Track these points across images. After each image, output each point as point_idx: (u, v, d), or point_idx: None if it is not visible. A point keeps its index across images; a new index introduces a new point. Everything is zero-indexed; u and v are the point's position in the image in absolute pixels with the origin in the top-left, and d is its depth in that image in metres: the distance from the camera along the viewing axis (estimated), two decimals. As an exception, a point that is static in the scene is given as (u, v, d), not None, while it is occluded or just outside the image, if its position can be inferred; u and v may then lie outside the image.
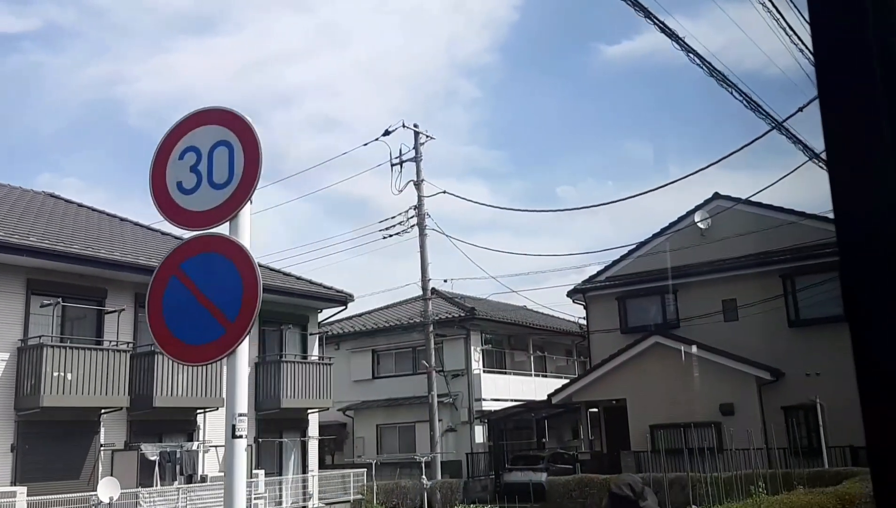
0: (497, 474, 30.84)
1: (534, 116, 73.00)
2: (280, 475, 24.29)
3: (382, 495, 24.00)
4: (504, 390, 33.12)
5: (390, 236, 31.24)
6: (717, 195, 26.91)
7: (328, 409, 25.56)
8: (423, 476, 22.08)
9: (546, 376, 36.44)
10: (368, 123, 66.34)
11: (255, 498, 22.45)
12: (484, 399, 32.08)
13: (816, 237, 24.09)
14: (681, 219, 27.63)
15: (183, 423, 21.83)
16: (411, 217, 30.99)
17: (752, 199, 25.84)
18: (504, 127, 74.51)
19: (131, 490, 19.15)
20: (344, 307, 26.38)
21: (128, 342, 20.07)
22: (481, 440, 32.03)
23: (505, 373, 34.57)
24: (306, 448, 25.23)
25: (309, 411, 25.28)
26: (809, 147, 17.08)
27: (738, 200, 25.40)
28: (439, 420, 30.53)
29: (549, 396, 28.65)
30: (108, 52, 68.65)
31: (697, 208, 27.19)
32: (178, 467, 21.29)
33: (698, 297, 26.38)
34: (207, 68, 68.10)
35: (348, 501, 24.70)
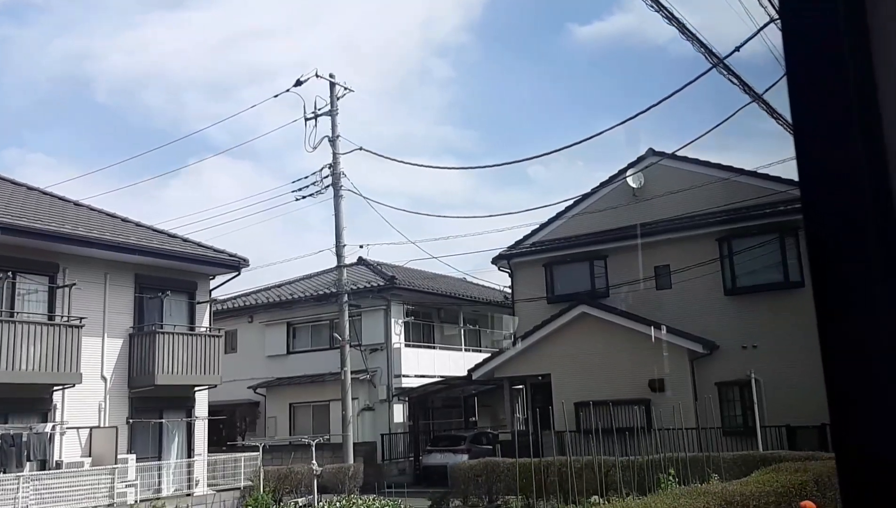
0: (416, 456, 28.52)
1: (506, 97, 71.16)
2: (160, 459, 21.65)
3: (274, 481, 21.46)
4: (429, 365, 30.70)
5: (303, 197, 28.55)
6: (651, 152, 24.53)
7: (216, 386, 22.88)
8: (314, 461, 19.59)
9: (480, 350, 34.05)
10: (343, 101, 64.24)
11: (123, 486, 19.83)
12: (405, 376, 29.64)
13: (756, 196, 21.90)
14: (613, 178, 25.24)
15: (34, 402, 19.05)
16: (325, 176, 28.32)
17: (689, 156, 23.61)
18: (477, 107, 72.68)
19: (-45, 480, 16.42)
20: (237, 274, 23.63)
21: (-44, 309, 17.21)
22: (402, 420, 29.62)
23: (432, 347, 32.15)
24: (192, 429, 22.56)
25: (196, 388, 22.60)
26: (752, 88, 15.08)
27: (672, 155, 23.04)
28: (355, 399, 28.09)
29: (470, 371, 26.28)
30: (77, 27, 65.44)
31: (631, 165, 24.81)
32: (25, 452, 18.56)
33: (630, 262, 24.07)
34: (179, 44, 64.91)
35: (238, 488, 22.16)
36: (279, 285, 34.02)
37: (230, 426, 31.89)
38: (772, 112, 15.97)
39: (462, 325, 33.85)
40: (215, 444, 27.80)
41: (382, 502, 16.35)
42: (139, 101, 67.59)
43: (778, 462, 13.23)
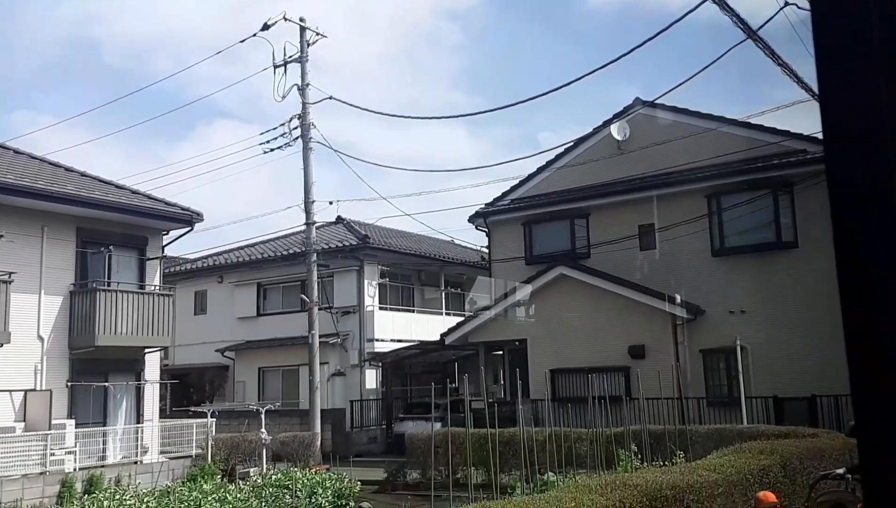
0: (388, 424, 27.19)
1: (517, 62, 69.29)
2: (105, 425, 20.34)
3: (227, 450, 20.14)
4: (405, 329, 29.23)
5: (272, 149, 26.93)
6: (637, 101, 22.71)
7: (166, 348, 21.51)
8: (262, 430, 18.22)
9: (463, 314, 32.51)
10: (354, 66, 62.56)
11: (62, 454, 18.53)
12: (380, 340, 28.20)
13: (747, 148, 20.17)
14: (597, 130, 23.46)
15: (-43, 363, 17.68)
16: (295, 128, 26.66)
17: (678, 105, 21.87)
18: (487, 73, 70.91)
19: None
20: (190, 229, 22.08)
21: None
22: (375, 386, 28.25)
23: (410, 311, 30.66)
24: (142, 393, 21.20)
25: (146, 350, 21.20)
26: (747, 25, 13.61)
27: (659, 105, 21.27)
28: (325, 363, 26.69)
29: (442, 336, 24.83)
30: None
31: (616, 116, 23.02)
32: (-53, 416, 17.25)
33: (613, 220, 22.44)
34: (188, 7, 63.20)
35: (189, 456, 20.85)
36: (252, 245, 32.48)
37: (199, 391, 30.66)
38: (769, 53, 14.39)
39: (443, 288, 32.32)
40: (183, 408, 26.64)
41: (324, 475, 14.95)
42: (146, 63, 66.42)
43: (753, 439, 11.72)
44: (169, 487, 13.18)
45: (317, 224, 27.08)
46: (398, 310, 29.92)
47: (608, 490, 5.64)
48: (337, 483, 14.57)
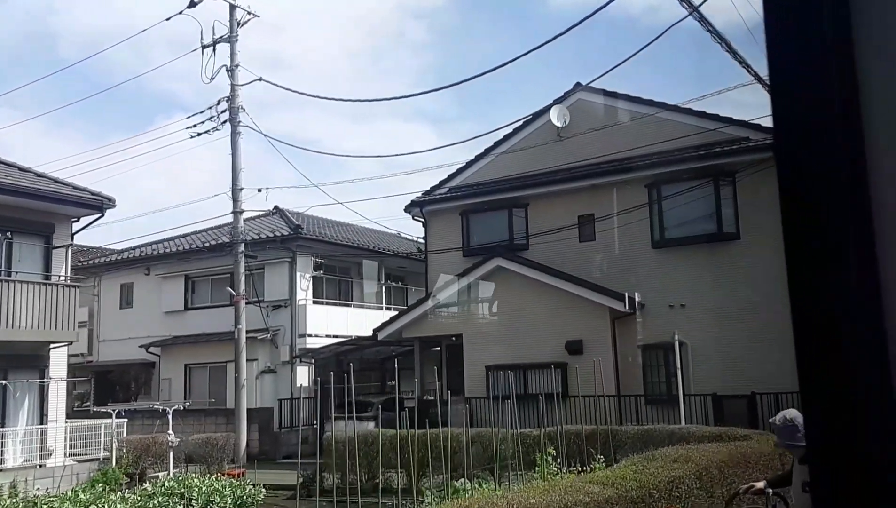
0: (321, 423, 25.91)
1: (482, 60, 68.71)
2: (3, 426, 18.82)
3: (136, 452, 18.74)
4: (341, 325, 27.98)
5: (198, 134, 25.49)
6: (578, 86, 21.75)
7: (72, 343, 20.01)
8: (170, 431, 16.87)
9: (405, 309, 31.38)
10: (316, 63, 60.80)
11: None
12: (314, 335, 26.92)
13: (688, 135, 19.34)
14: (537, 116, 22.45)
15: None
16: (223, 111, 25.26)
17: (620, 91, 20.97)
18: (451, 71, 70.39)
19: None
20: (101, 215, 20.61)
21: None
22: (307, 384, 26.93)
23: (347, 305, 29.41)
24: (46, 392, 19.69)
25: (51, 345, 19.69)
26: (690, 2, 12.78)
27: (600, 91, 20.36)
28: (254, 360, 25.35)
29: (375, 331, 23.66)
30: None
31: (556, 101, 22.03)
32: None
33: (552, 211, 21.48)
34: (146, 1, 61.08)
35: (97, 459, 19.42)
36: (184, 235, 30.89)
37: (125, 388, 29.09)
38: (708, 28, 13.55)
39: (383, 281, 31.11)
40: (95, 408, 25.10)
41: (225, 481, 13.70)
42: (103, 56, 64.31)
43: (683, 441, 10.77)
44: (37, 498, 11.82)
45: (248, 213, 25.78)
46: (334, 304, 28.66)
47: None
48: (238, 489, 13.35)
